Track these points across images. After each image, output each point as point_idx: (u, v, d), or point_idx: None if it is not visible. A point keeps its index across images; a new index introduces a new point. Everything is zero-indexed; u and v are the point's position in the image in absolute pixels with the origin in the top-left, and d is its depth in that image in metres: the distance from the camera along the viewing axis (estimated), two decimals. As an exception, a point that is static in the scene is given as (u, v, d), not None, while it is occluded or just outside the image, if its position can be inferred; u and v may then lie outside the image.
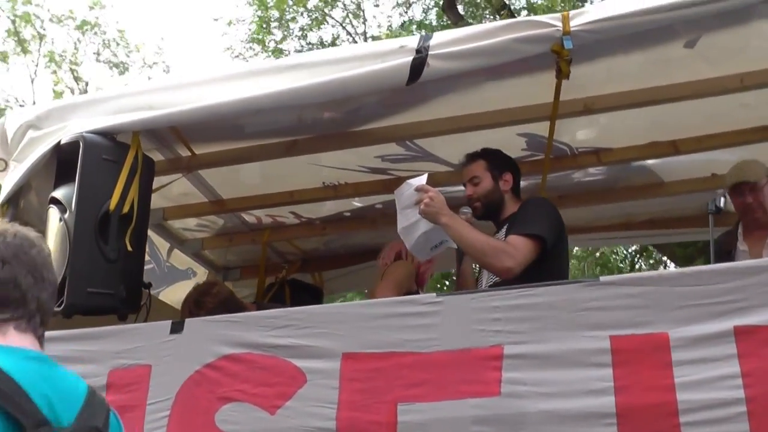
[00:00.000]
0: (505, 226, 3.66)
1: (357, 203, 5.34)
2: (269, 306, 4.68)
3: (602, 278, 3.09)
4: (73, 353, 3.27)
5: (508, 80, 3.97)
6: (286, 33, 17.31)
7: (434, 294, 3.20)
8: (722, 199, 3.92)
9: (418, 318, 3.07)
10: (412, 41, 3.54)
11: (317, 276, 6.09)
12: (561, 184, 5.05)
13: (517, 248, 3.40)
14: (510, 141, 4.48)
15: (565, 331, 2.94)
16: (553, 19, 3.46)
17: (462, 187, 4.03)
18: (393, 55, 3.53)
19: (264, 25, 17.00)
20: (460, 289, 3.89)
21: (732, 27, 3.82)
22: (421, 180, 3.57)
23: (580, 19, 3.44)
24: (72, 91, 19.21)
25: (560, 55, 3.50)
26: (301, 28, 17.29)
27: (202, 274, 5.93)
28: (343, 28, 17.68)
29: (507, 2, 14.03)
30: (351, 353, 3.08)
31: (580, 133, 4.57)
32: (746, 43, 3.98)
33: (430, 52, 3.45)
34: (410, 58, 3.46)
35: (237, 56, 18.05)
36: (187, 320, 3.42)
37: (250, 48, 17.78)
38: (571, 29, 3.41)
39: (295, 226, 5.61)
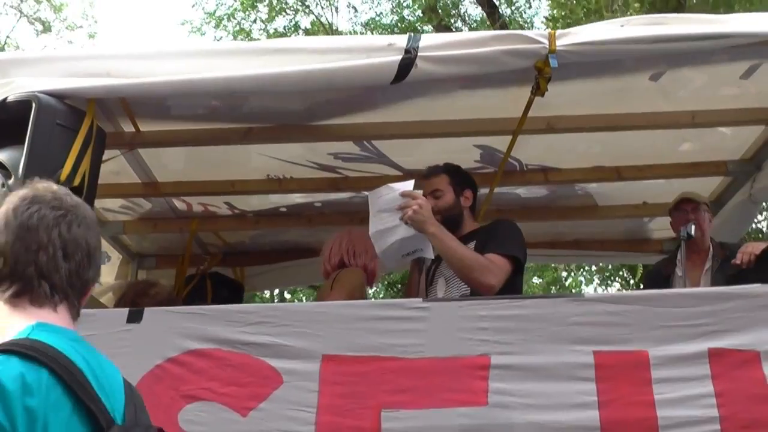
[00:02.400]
0: (471, 243, 3.67)
1: (297, 199, 5.20)
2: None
3: (586, 294, 3.16)
4: None
5: (480, 91, 3.99)
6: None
7: (420, 299, 3.14)
8: (692, 227, 4.07)
9: (403, 323, 3.02)
10: (401, 40, 3.47)
11: (239, 271, 5.91)
12: (500, 198, 5.11)
13: (500, 267, 3.47)
14: (465, 152, 4.52)
15: (550, 344, 2.98)
16: (541, 36, 3.48)
17: None
18: (381, 52, 3.45)
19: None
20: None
21: (694, 66, 4.00)
22: (408, 185, 3.54)
23: (566, 39, 3.47)
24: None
25: (541, 72, 3.52)
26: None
27: (116, 259, 5.65)
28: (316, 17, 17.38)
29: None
30: (332, 355, 2.98)
31: (532, 149, 4.63)
32: (702, 84, 4.18)
33: (419, 54, 3.39)
34: (399, 58, 3.39)
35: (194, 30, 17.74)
36: (147, 309, 3.21)
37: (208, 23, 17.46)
38: (557, 48, 3.44)
39: (227, 218, 5.42)
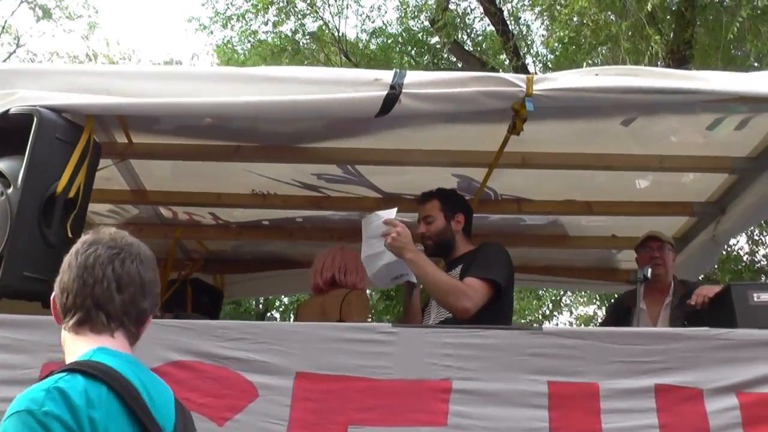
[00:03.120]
0: (459, 266, 3.85)
1: (279, 213, 5.39)
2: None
3: (545, 328, 3.36)
4: (3, 340, 3.17)
5: (455, 125, 4.20)
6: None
7: (389, 324, 3.34)
8: (649, 269, 4.30)
9: (373, 345, 3.22)
10: (387, 76, 3.65)
11: (219, 278, 6.09)
12: (477, 223, 5.31)
13: (476, 291, 3.62)
14: (443, 180, 4.71)
15: (509, 372, 3.19)
16: (519, 80, 3.67)
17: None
18: (367, 87, 3.63)
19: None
20: (407, 323, 4.05)
21: (664, 115, 4.23)
22: (391, 213, 3.73)
23: (543, 84, 3.67)
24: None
25: (518, 114, 3.72)
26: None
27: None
28: (324, 22, 17.45)
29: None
30: (305, 373, 3.17)
31: (506, 181, 4.85)
32: (670, 132, 4.42)
33: (403, 90, 3.58)
34: (384, 93, 3.57)
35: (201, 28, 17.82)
36: None
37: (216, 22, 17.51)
38: (534, 92, 3.63)
39: (210, 227, 5.61)
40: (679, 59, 10.80)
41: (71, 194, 3.66)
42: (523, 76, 3.72)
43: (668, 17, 10.67)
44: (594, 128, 4.30)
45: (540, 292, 18.12)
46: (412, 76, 3.68)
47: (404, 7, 16.89)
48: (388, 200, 4.86)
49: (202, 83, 3.85)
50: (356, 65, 16.12)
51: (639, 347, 3.29)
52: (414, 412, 3.09)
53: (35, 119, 3.57)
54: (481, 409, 3.10)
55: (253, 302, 16.92)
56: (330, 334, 3.28)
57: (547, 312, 20.54)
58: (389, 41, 17.38)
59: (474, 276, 3.68)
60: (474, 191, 4.79)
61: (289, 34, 17.23)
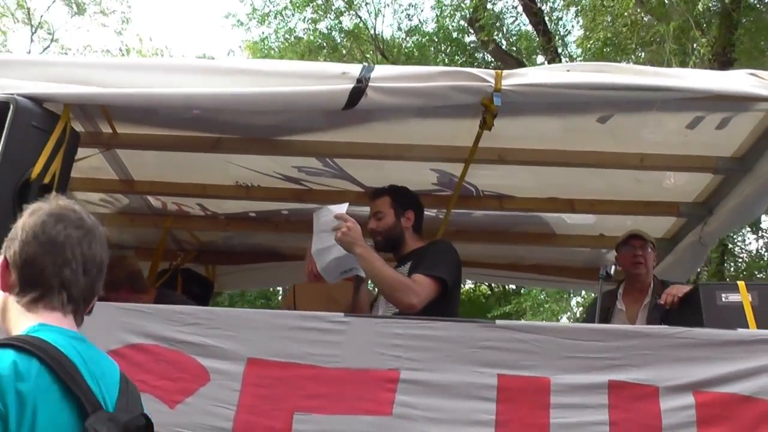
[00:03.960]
0: (408, 263, 3.87)
1: (265, 205, 5.44)
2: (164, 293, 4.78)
3: (498, 321, 3.37)
4: None
5: (431, 120, 4.22)
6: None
7: (342, 314, 3.36)
8: (613, 267, 4.28)
9: (323, 334, 3.25)
10: (355, 69, 3.69)
11: (210, 269, 6.16)
12: (461, 220, 5.34)
13: (423, 287, 3.63)
14: (422, 174, 4.76)
15: (458, 364, 3.20)
16: (488, 75, 3.68)
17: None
18: (334, 80, 3.66)
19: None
20: None
21: (641, 113, 4.21)
22: (341, 208, 3.75)
23: (511, 79, 3.67)
24: (15, 19, 18.41)
25: (488, 109, 3.72)
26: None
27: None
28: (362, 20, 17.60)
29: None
30: (256, 359, 3.21)
31: (487, 177, 4.85)
32: (650, 130, 4.40)
33: (369, 84, 3.60)
34: (350, 86, 3.60)
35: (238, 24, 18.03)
36: (98, 303, 3.44)
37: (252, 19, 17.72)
38: (502, 87, 3.63)
39: (199, 218, 5.69)
40: (723, 61, 10.68)
41: (46, 180, 3.73)
42: (493, 72, 3.73)
43: (712, 20, 10.49)
44: (570, 125, 4.29)
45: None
46: (380, 70, 3.71)
47: (440, 5, 16.90)
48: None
49: (176, 75, 3.91)
50: (393, 64, 16.18)
51: (595, 343, 3.29)
52: (360, 400, 3.12)
53: (11, 107, 3.65)
54: (427, 400, 3.12)
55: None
56: (283, 322, 3.33)
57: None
58: (424, 39, 17.36)
59: (422, 273, 3.69)
60: (454, 186, 4.79)
61: (326, 31, 17.34)
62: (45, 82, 3.89)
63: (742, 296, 3.67)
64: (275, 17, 17.66)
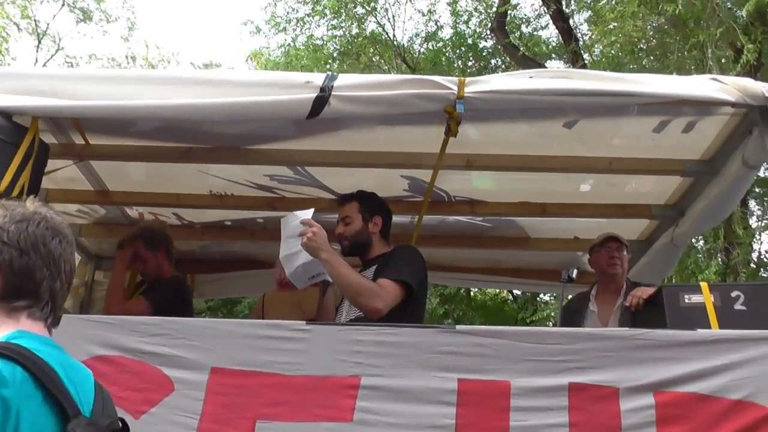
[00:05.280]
0: (374, 267, 3.90)
1: (240, 214, 5.48)
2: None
3: (458, 327, 3.40)
4: None
5: (399, 127, 4.26)
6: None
7: (304, 322, 3.39)
8: (575, 270, 4.32)
9: (285, 342, 3.28)
10: (318, 78, 3.72)
11: (190, 278, 6.18)
12: (436, 224, 5.39)
13: (388, 291, 3.66)
14: (393, 181, 4.80)
15: (418, 369, 3.23)
16: (450, 83, 3.71)
17: None
18: (298, 89, 3.70)
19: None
20: (320, 320, 4.12)
21: (607, 117, 4.26)
22: (307, 214, 3.79)
23: (474, 86, 3.71)
24: (18, 27, 18.40)
25: (451, 116, 3.76)
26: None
27: (74, 259, 5.90)
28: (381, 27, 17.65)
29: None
30: (219, 368, 3.24)
31: (458, 182, 4.89)
32: (617, 134, 4.45)
33: (333, 93, 3.64)
34: (314, 95, 3.64)
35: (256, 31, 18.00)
36: (64, 315, 3.47)
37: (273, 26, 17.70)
38: (465, 95, 3.67)
39: (175, 227, 5.71)
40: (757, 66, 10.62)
41: (15, 193, 3.74)
42: (456, 79, 3.76)
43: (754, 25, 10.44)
44: (537, 130, 4.34)
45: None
46: (343, 79, 3.74)
47: (456, 11, 16.94)
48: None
49: (143, 86, 3.93)
50: (414, 70, 16.18)
51: (555, 346, 3.32)
52: (321, 407, 3.15)
53: (-23, 121, 3.69)
54: (387, 405, 3.14)
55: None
56: (245, 331, 3.36)
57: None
58: (439, 45, 17.41)
59: (387, 277, 3.72)
60: (424, 192, 4.83)
61: (348, 38, 17.34)
62: (13, 95, 3.92)
63: (704, 297, 3.70)
64: (297, 23, 17.68)
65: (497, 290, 18.73)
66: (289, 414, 3.14)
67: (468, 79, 3.78)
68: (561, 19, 13.98)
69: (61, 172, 4.90)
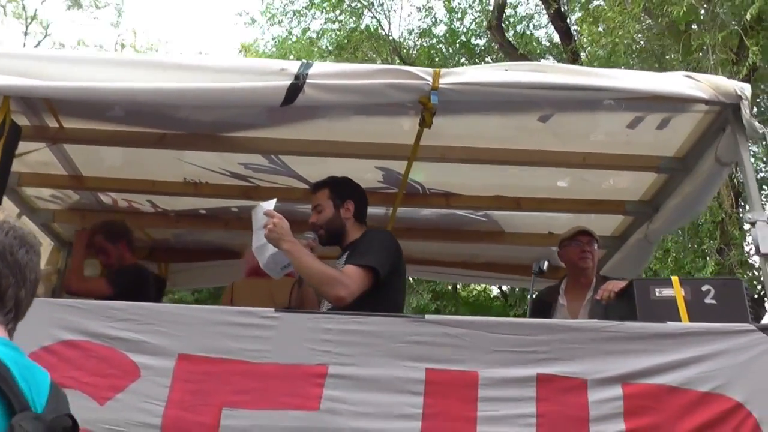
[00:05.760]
0: (346, 253, 3.88)
1: (215, 203, 5.45)
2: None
3: (427, 317, 3.40)
4: None
5: (374, 117, 4.26)
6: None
7: (273, 309, 3.38)
8: (545, 263, 4.32)
9: (254, 329, 3.27)
10: (293, 66, 3.71)
11: (163, 266, 6.15)
12: (411, 217, 5.39)
13: (352, 278, 3.61)
14: (368, 172, 4.79)
15: (387, 358, 3.23)
16: (425, 74, 3.71)
17: None
18: (273, 76, 3.68)
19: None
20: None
21: (581, 112, 4.27)
22: (270, 205, 3.75)
23: (449, 78, 3.71)
24: (4, 11, 18.19)
25: (426, 107, 3.76)
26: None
27: (47, 245, 5.87)
28: (377, 21, 17.58)
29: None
30: (186, 354, 3.22)
31: (433, 175, 4.89)
32: (591, 129, 4.46)
33: (307, 80, 3.62)
34: (288, 82, 3.62)
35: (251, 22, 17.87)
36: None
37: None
38: (440, 86, 3.67)
39: (150, 215, 5.68)
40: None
41: None
42: (431, 70, 3.76)
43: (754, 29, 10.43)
44: (512, 124, 4.35)
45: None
46: (318, 68, 3.73)
47: (450, 8, 16.95)
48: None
49: (118, 69, 3.90)
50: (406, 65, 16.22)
51: (524, 337, 3.32)
52: (288, 395, 3.13)
53: (-55, 101, 3.64)
54: (354, 394, 3.14)
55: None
56: (214, 317, 3.33)
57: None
58: (433, 41, 17.40)
59: (352, 263, 3.69)
60: (399, 184, 4.82)
61: (337, 28, 17.29)
62: None
63: (675, 291, 3.71)
64: (293, 16, 17.59)
65: (485, 286, 18.78)
66: (255, 402, 3.13)
67: (443, 71, 3.77)
68: (560, 19, 14.00)
69: (35, 156, 4.86)
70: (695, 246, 12.19)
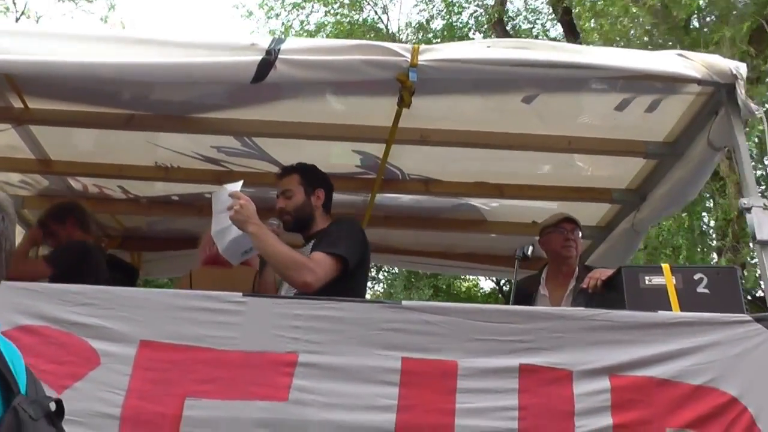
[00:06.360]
0: (313, 241, 3.73)
1: (188, 189, 5.26)
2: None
3: (404, 302, 3.22)
4: None
5: (350, 98, 4.10)
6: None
7: (240, 294, 3.20)
8: (530, 248, 4.17)
9: (220, 315, 3.09)
10: (264, 41, 3.53)
11: (136, 256, 5.97)
12: (389, 204, 5.22)
13: (320, 265, 3.47)
14: (345, 156, 4.63)
15: (360, 347, 3.05)
16: (403, 50, 3.54)
17: None
18: (243, 51, 3.50)
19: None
20: None
21: (567, 93, 4.12)
22: (236, 186, 3.60)
23: (428, 54, 3.54)
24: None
25: (404, 85, 3.58)
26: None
27: (17, 233, 5.66)
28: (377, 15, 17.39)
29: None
30: (149, 341, 3.04)
31: (413, 160, 4.73)
32: (577, 111, 4.30)
33: (279, 56, 3.45)
34: (259, 58, 3.44)
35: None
36: None
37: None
38: (419, 63, 3.50)
39: (121, 201, 5.50)
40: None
41: None
42: (409, 46, 3.59)
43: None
44: (494, 105, 4.19)
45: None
46: (291, 43, 3.56)
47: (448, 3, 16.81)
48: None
49: (82, 44, 3.70)
50: None
51: (506, 325, 3.16)
52: (255, 385, 2.96)
53: None
54: (325, 384, 2.97)
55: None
56: (179, 303, 3.15)
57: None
58: (429, 35, 17.26)
59: (320, 250, 3.54)
60: (377, 169, 4.65)
61: (334, 21, 17.10)
62: None
63: (666, 279, 3.56)
64: (293, 9, 17.32)
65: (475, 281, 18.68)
66: (220, 391, 2.95)
67: (422, 47, 3.61)
68: (564, 11, 13.88)
69: (2, 140, 4.67)
70: (708, 243, 12.10)
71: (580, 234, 4.66)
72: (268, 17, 17.61)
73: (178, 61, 3.50)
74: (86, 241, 4.74)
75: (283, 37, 3.68)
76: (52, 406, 1.71)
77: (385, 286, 18.08)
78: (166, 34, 3.86)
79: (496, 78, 3.76)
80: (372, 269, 19.69)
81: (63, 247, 4.65)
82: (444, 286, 17.34)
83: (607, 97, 4.17)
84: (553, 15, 15.20)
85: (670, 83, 3.95)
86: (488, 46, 3.74)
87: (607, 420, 3.01)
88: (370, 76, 3.58)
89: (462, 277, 17.56)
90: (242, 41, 3.60)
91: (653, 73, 3.69)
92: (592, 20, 12.31)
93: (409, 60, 3.50)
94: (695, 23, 11.21)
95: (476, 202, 5.29)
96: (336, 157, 4.57)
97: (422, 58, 3.52)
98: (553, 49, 3.75)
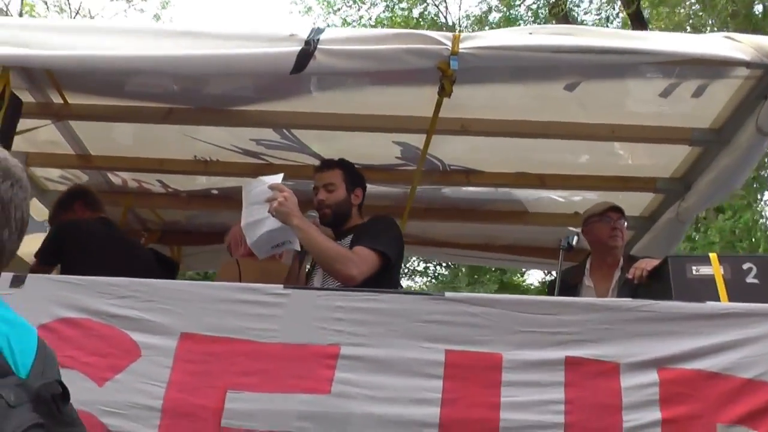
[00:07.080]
0: (349, 237, 3.69)
1: (227, 182, 5.26)
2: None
3: (447, 294, 3.17)
4: None
5: (391, 88, 4.05)
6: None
7: (281, 285, 3.17)
8: (575, 238, 4.08)
9: (261, 307, 3.06)
10: (304, 31, 3.50)
11: (176, 250, 5.98)
12: (429, 196, 5.16)
13: (364, 260, 3.45)
14: (385, 147, 4.58)
15: (403, 339, 2.99)
16: (444, 38, 3.48)
17: None
18: (282, 42, 3.47)
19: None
20: None
21: (611, 80, 4.02)
22: (276, 179, 3.56)
23: (470, 42, 3.48)
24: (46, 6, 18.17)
25: (445, 74, 3.51)
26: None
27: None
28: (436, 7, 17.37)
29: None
30: (190, 333, 3.02)
31: (454, 150, 4.66)
32: (621, 99, 4.20)
33: (318, 46, 3.41)
34: (298, 48, 3.41)
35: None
36: (29, 276, 3.25)
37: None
38: (460, 50, 3.44)
39: (161, 196, 5.51)
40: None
41: None
42: (450, 34, 3.54)
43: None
44: (536, 93, 4.12)
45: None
46: (330, 33, 3.53)
47: None
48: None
49: (121, 38, 3.72)
50: None
51: (551, 317, 3.07)
52: (297, 377, 2.92)
53: (-58, 72, 3.48)
54: (368, 377, 2.91)
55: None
56: (219, 294, 3.12)
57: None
58: (485, 28, 17.24)
59: (364, 245, 3.52)
60: (418, 160, 4.60)
61: (389, 16, 17.11)
62: None
63: (713, 269, 3.45)
64: (353, 3, 17.37)
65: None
66: (262, 384, 2.91)
67: (463, 35, 3.56)
68: (630, 2, 13.72)
69: (42, 135, 4.70)
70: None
71: (626, 223, 4.56)
72: (327, 13, 17.64)
73: (217, 53, 3.48)
74: (73, 220, 4.36)
75: (321, 27, 3.62)
76: (56, 387, 1.59)
77: (448, 280, 17.82)
78: (203, 26, 3.85)
79: (537, 65, 3.69)
80: (419, 263, 19.60)
81: (57, 227, 4.34)
82: (509, 281, 17.14)
83: (652, 84, 4.08)
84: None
85: (717, 67, 3.84)
86: (530, 33, 3.66)
87: (655, 414, 2.91)
88: (411, 65, 3.53)
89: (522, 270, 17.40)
90: (281, 32, 3.56)
91: (700, 56, 3.58)
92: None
93: (450, 48, 3.45)
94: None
95: (518, 192, 5.20)
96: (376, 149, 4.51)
97: (463, 46, 3.46)
98: (598, 35, 3.69)
